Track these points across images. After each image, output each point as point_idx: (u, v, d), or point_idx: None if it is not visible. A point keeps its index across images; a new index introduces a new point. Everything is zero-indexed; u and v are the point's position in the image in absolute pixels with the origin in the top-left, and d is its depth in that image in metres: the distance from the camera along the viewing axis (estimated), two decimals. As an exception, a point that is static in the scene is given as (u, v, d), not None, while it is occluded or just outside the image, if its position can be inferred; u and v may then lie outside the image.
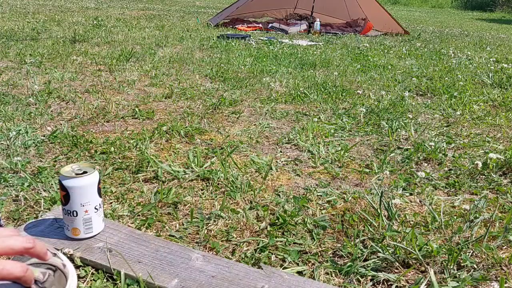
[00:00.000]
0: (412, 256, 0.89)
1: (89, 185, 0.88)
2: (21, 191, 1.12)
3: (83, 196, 0.88)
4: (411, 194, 1.22)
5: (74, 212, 0.88)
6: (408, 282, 0.84)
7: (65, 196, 0.87)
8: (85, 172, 0.89)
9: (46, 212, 1.02)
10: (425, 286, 0.82)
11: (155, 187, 1.20)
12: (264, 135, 1.69)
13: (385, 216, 1.06)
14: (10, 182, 1.17)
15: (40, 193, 1.11)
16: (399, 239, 0.95)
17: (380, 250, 0.90)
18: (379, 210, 1.05)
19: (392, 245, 0.92)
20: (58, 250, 0.84)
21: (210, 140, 1.61)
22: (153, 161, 1.34)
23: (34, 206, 1.06)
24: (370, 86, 2.60)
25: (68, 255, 0.84)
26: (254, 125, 1.81)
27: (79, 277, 0.81)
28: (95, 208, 0.90)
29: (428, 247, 0.90)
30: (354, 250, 0.92)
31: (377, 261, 0.89)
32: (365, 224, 1.02)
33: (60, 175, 0.88)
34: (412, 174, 1.35)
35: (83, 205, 0.88)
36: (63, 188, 0.87)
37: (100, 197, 0.92)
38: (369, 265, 0.88)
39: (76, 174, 0.88)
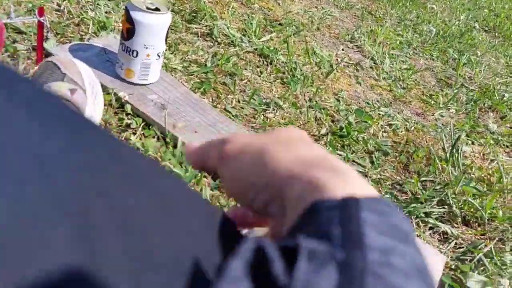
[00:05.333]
0: (476, 214, 0.83)
1: (159, 25, 0.74)
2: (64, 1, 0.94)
3: (150, 36, 0.73)
4: (472, 143, 1.13)
5: (135, 52, 0.74)
6: (464, 241, 0.79)
7: (129, 30, 0.73)
8: (157, 9, 0.74)
9: (94, 38, 0.87)
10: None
11: (210, 46, 1.05)
12: (326, 23, 1.50)
13: (445, 159, 0.97)
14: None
15: (87, 11, 0.95)
16: (465, 194, 0.88)
17: (448, 200, 0.83)
18: (447, 155, 0.96)
19: (458, 198, 0.85)
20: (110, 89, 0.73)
21: (268, 9, 1.41)
22: (209, 14, 1.16)
23: (79, 23, 0.91)
24: (437, 2, 2.33)
25: (123, 100, 0.72)
26: (316, 7, 1.60)
27: (129, 127, 0.71)
28: (158, 55, 0.76)
29: (494, 211, 0.84)
30: (416, 190, 0.84)
31: (441, 210, 0.82)
32: (432, 164, 0.93)
33: (128, 2, 0.72)
34: (477, 122, 1.24)
35: (147, 47, 0.74)
36: (129, 19, 0.72)
37: (166, 44, 0.78)
38: (432, 212, 0.81)
39: (148, 8, 0.72)
